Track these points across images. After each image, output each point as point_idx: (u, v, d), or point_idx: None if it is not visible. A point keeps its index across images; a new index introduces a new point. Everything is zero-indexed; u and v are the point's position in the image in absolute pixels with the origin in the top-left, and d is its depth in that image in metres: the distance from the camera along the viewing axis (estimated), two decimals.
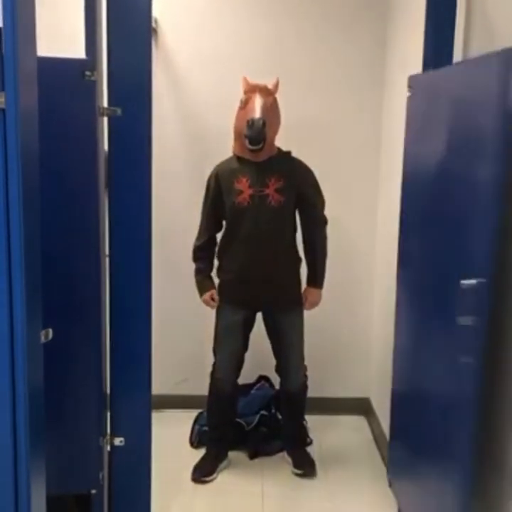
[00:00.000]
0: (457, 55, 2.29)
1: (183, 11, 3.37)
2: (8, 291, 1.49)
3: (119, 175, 2.17)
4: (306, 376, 3.05)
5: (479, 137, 1.82)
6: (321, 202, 2.95)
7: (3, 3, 1.38)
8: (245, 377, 3.18)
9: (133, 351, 2.27)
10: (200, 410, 3.36)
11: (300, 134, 3.18)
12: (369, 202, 3.52)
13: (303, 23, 3.37)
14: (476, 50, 2.17)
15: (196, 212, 2.99)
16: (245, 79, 2.82)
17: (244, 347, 2.99)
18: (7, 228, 1.47)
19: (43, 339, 1.66)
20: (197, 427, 3.31)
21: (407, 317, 2.47)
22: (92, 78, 2.02)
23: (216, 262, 3.00)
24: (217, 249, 2.98)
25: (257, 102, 2.74)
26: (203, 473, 2.97)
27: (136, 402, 2.31)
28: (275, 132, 2.85)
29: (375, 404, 3.52)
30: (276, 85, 2.83)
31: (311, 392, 3.11)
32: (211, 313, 3.00)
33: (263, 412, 3.28)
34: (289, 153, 2.93)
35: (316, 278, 2.98)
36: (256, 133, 2.71)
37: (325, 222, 2.97)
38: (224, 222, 2.94)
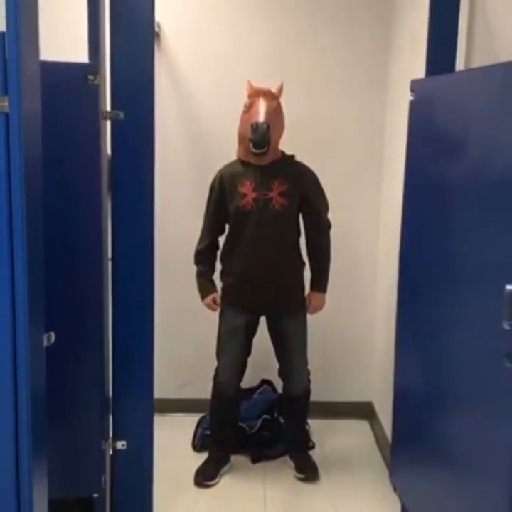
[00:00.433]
0: (460, 62, 2.29)
1: (186, 15, 3.38)
2: (10, 294, 1.49)
3: (122, 178, 2.18)
4: (309, 380, 3.04)
5: (486, 143, 1.82)
6: (325, 206, 2.95)
7: (6, 7, 1.39)
8: (248, 381, 3.17)
9: (135, 354, 2.27)
10: (202, 414, 3.35)
11: (301, 137, 3.17)
12: (371, 205, 3.52)
13: (304, 26, 3.37)
14: (479, 56, 2.17)
15: (199, 215, 2.99)
16: (249, 83, 2.82)
17: (247, 351, 2.98)
18: (10, 231, 1.47)
19: (45, 342, 1.66)
20: (199, 430, 3.30)
21: (408, 321, 2.46)
22: (95, 82, 2.03)
23: (219, 266, 3.00)
24: (220, 252, 2.98)
25: (261, 106, 2.75)
26: (205, 477, 2.96)
27: (138, 405, 2.31)
28: (279, 136, 2.86)
29: (378, 408, 3.51)
30: (281, 89, 2.84)
31: (314, 396, 3.10)
32: (214, 317, 3.00)
33: (265, 416, 3.27)
34: (292, 156, 2.93)
35: (320, 282, 2.97)
36: (260, 137, 2.71)
37: (329, 226, 2.96)
38: (227, 226, 2.94)
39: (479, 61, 2.12)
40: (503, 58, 1.86)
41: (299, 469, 3.03)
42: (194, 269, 2.98)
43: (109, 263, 2.22)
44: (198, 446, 3.25)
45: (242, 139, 2.83)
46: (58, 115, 1.97)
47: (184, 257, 3.08)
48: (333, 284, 3.02)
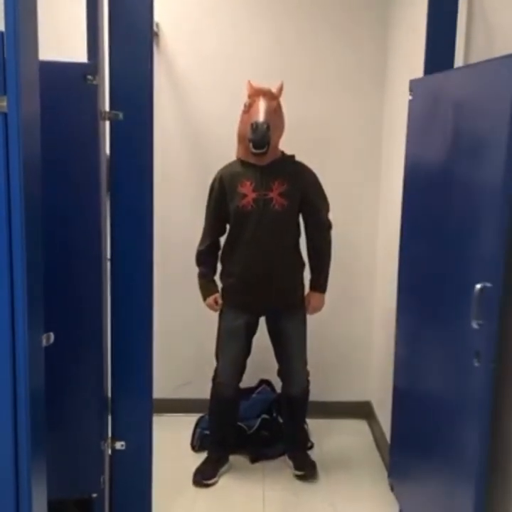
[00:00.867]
0: (458, 59, 2.29)
1: (185, 14, 3.38)
2: (9, 295, 1.49)
3: (120, 179, 2.17)
4: (308, 381, 3.04)
5: (484, 141, 1.81)
6: (325, 206, 2.94)
7: (5, 7, 1.38)
8: (247, 380, 3.16)
9: (134, 355, 2.27)
10: (201, 414, 3.35)
11: (300, 136, 3.17)
12: (370, 205, 3.52)
13: (304, 26, 3.37)
14: (477, 54, 2.17)
15: (198, 215, 2.99)
16: (249, 82, 2.82)
17: (247, 352, 2.98)
18: (9, 232, 1.47)
19: (44, 343, 1.66)
20: (198, 430, 3.30)
21: (407, 321, 2.47)
22: (94, 82, 2.03)
23: (219, 266, 3.00)
24: (220, 253, 2.98)
25: (261, 106, 2.74)
26: (204, 476, 2.96)
27: (137, 405, 2.31)
28: (279, 136, 2.85)
29: (376, 408, 3.51)
30: (281, 89, 2.83)
31: (312, 396, 3.10)
32: (213, 317, 3.00)
33: (264, 415, 3.27)
34: (292, 156, 2.93)
35: (320, 282, 2.97)
36: (260, 136, 2.71)
37: (329, 226, 2.95)
38: (227, 226, 2.94)
39: (478, 59, 2.11)
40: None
41: (297, 467, 3.03)
42: (193, 269, 2.97)
43: (108, 263, 2.22)
44: (196, 446, 3.26)
45: (241, 138, 2.83)
46: (57, 115, 1.97)
47: (184, 258, 3.08)
48: (332, 284, 3.02)
